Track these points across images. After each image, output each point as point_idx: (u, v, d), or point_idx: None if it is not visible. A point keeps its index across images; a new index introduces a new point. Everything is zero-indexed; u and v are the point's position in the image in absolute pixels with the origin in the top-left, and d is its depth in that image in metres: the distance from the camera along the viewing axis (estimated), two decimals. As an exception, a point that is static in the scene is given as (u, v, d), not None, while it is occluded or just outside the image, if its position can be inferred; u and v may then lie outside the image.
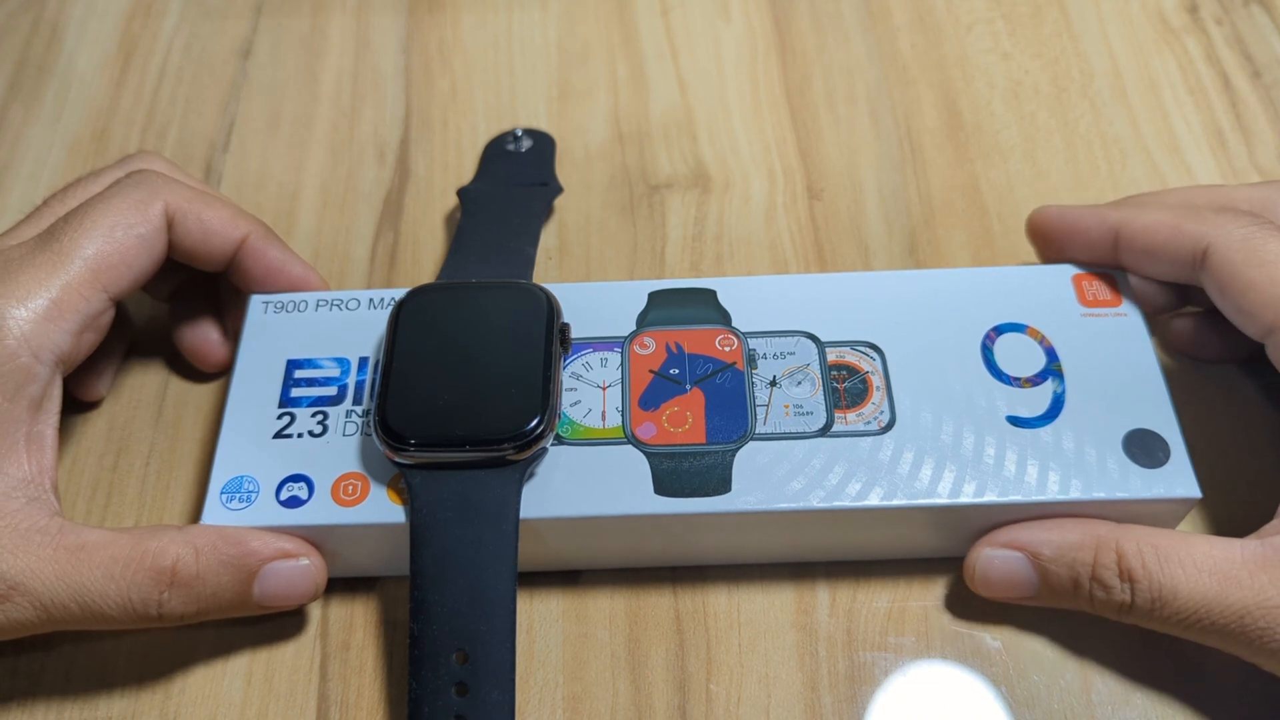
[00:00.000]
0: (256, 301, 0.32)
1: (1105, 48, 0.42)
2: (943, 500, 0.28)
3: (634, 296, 0.32)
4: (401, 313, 0.30)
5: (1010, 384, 0.30)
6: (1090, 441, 0.29)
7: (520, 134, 0.38)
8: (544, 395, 0.28)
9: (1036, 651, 0.30)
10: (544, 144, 0.38)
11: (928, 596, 0.31)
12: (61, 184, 0.36)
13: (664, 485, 0.29)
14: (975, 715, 0.29)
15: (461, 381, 0.29)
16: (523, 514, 0.28)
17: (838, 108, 0.41)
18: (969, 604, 0.30)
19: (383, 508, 0.28)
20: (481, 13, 0.44)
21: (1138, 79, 0.41)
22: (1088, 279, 0.32)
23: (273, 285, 0.32)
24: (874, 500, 0.28)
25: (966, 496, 0.28)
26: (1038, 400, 0.30)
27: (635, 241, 0.38)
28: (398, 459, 0.28)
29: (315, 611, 0.31)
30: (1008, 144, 0.40)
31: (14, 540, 0.26)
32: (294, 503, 0.29)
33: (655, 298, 0.32)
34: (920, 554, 0.31)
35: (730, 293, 0.32)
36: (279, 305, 0.32)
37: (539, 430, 0.28)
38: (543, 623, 0.31)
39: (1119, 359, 0.31)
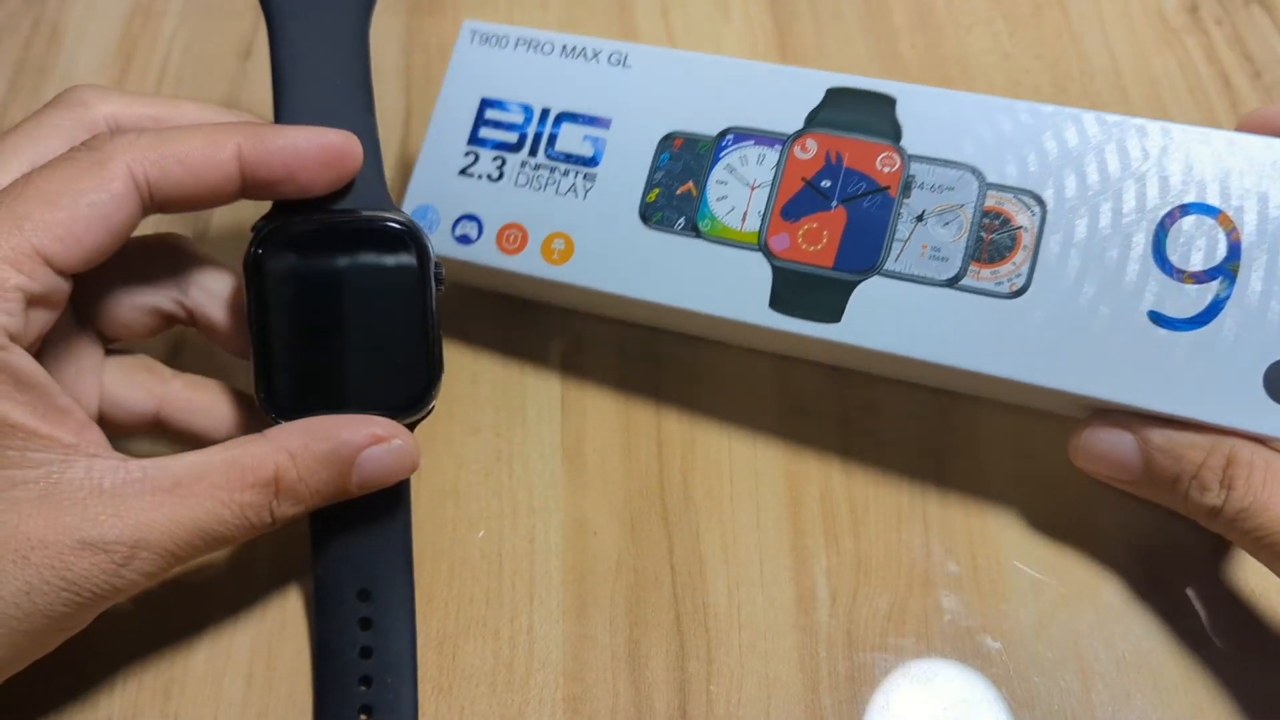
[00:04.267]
0: (466, 29, 0.34)
1: (1106, 48, 0.41)
2: (1045, 384, 0.28)
3: (811, 89, 0.32)
4: (262, 267, 0.28)
5: (1169, 274, 0.28)
6: (1231, 360, 0.27)
7: None
8: (429, 358, 0.28)
9: (1036, 652, 0.30)
10: None
11: (928, 597, 0.31)
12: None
13: (779, 300, 0.30)
14: (975, 716, 0.30)
15: (341, 346, 0.28)
16: (642, 294, 0.31)
17: None
18: (969, 605, 0.31)
19: (535, 262, 0.32)
20: (481, 13, 0.43)
21: (1138, 79, 0.40)
22: (1318, 167, 0.28)
23: (302, 178, 0.28)
24: (977, 365, 0.29)
25: (1070, 386, 0.28)
26: (1193, 300, 0.28)
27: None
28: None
29: (314, 615, 0.30)
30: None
31: (110, 504, 0.24)
32: (464, 240, 0.33)
33: (832, 96, 0.31)
34: (1028, 405, 0.31)
35: (912, 105, 0.31)
36: (485, 37, 0.34)
37: (430, 396, 0.29)
38: (543, 623, 0.31)
39: (1310, 273, 0.27)
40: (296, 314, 0.28)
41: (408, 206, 0.34)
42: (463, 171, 0.33)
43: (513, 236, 0.33)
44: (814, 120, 0.31)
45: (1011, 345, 0.29)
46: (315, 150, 0.28)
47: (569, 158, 0.33)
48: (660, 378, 0.35)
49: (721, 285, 0.31)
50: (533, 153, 0.33)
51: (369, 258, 0.29)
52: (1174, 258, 0.28)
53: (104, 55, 0.42)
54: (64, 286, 0.25)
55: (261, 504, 0.26)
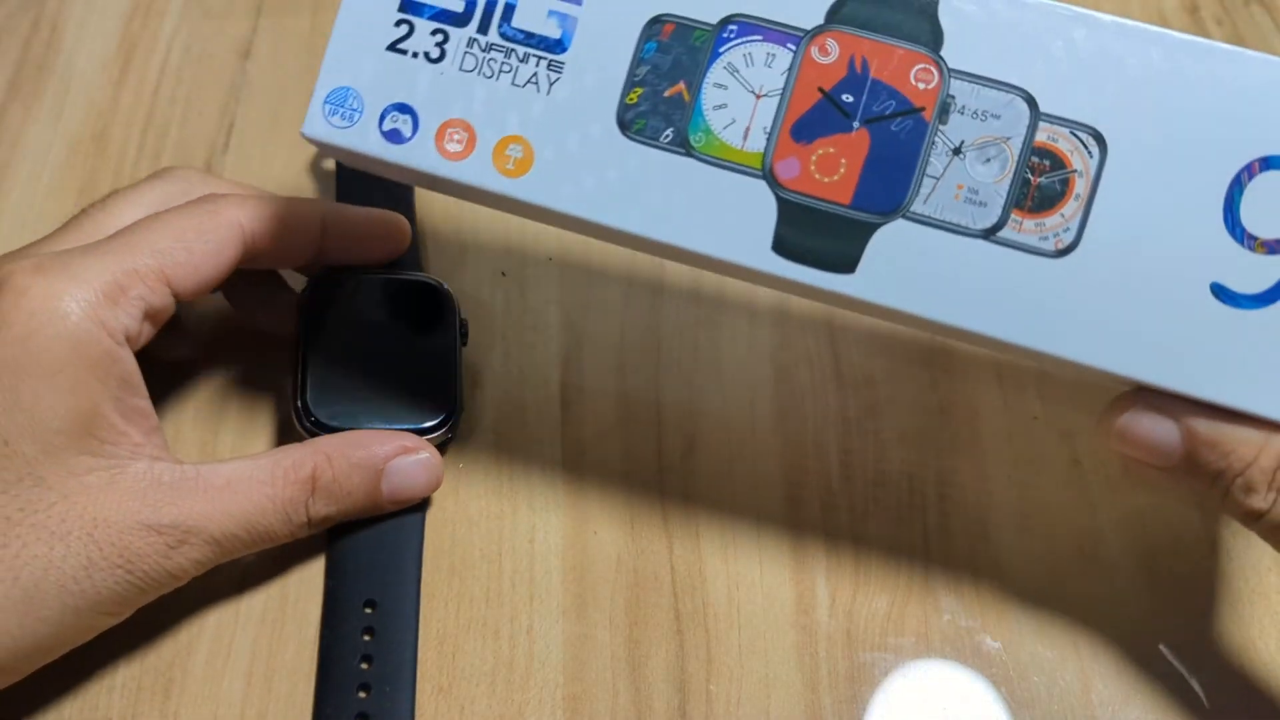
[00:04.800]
0: None
1: None
2: (1087, 361, 0.25)
3: (836, -27, 0.26)
4: (314, 304, 0.32)
5: (1241, 241, 0.24)
6: (1295, 345, 0.24)
7: None
8: (451, 398, 0.32)
9: (1036, 652, 0.30)
10: None
11: (928, 597, 0.31)
12: (61, 184, 0.38)
13: (784, 243, 0.25)
14: (975, 716, 0.29)
15: (372, 378, 0.31)
16: (614, 222, 0.26)
17: None
18: (969, 605, 0.30)
19: (483, 172, 0.26)
20: None
21: None
22: None
23: (367, 245, 0.33)
24: (1010, 336, 0.25)
25: (1115, 366, 0.25)
26: (1264, 273, 0.24)
27: None
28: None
29: (315, 612, 0.30)
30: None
31: (168, 494, 0.27)
32: (395, 137, 0.26)
33: (861, -16, 0.25)
34: (1059, 373, 0.28)
35: (960, 3, 0.25)
36: None
37: (449, 424, 0.32)
38: (543, 623, 0.30)
39: (1398, 249, 0.24)
40: (337, 346, 0.32)
41: (321, 88, 0.27)
42: (393, 46, 0.27)
43: (456, 136, 0.26)
44: (838, 14, 0.25)
45: (1051, 314, 0.25)
46: (380, 226, 0.33)
47: (530, 38, 0.26)
48: (660, 377, 0.35)
49: (714, 217, 0.26)
50: (483, 28, 0.26)
51: (404, 308, 0.33)
52: (1247, 221, 0.24)
53: (104, 55, 0.42)
54: (172, 307, 0.29)
55: (299, 500, 0.29)
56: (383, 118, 0.26)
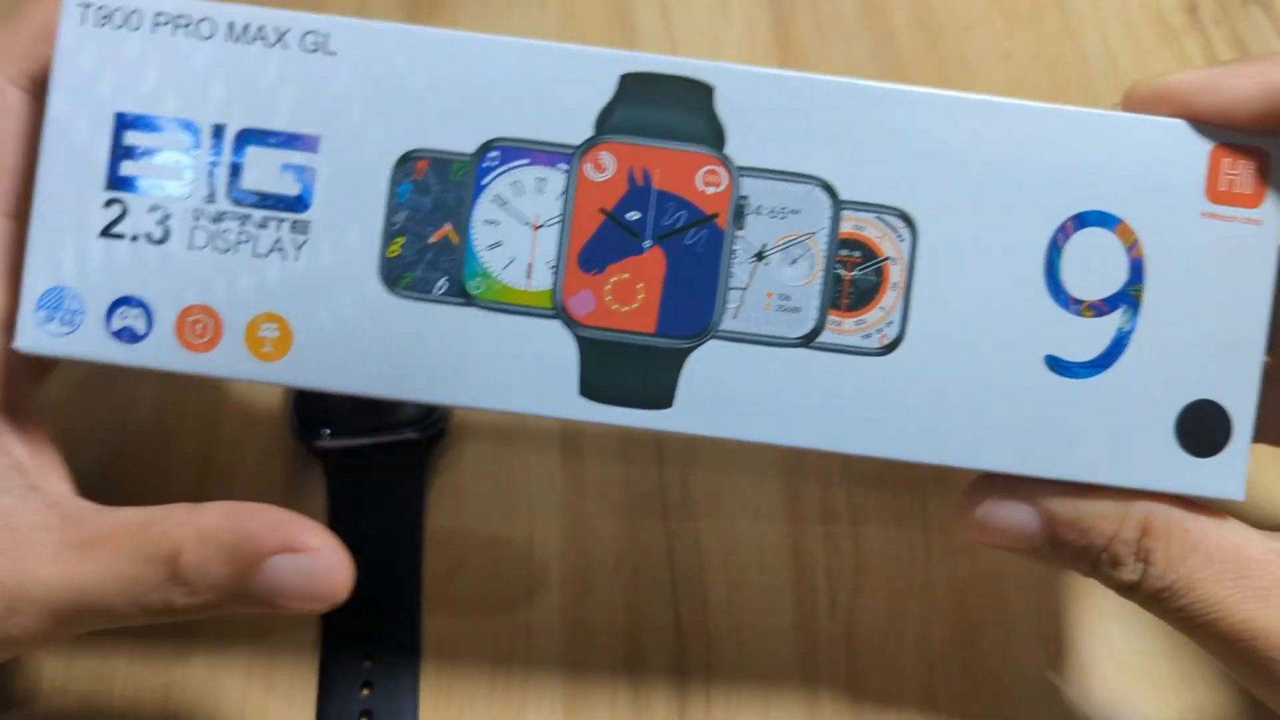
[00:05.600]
0: (71, 4, 0.23)
1: (1105, 48, 0.40)
2: (932, 461, 0.23)
3: (599, 77, 0.23)
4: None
5: (1067, 307, 0.23)
6: (1139, 408, 0.23)
7: None
8: None
9: (1036, 652, 0.30)
10: None
11: (928, 597, 0.30)
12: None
13: (591, 385, 0.23)
14: (975, 716, 0.29)
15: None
16: (397, 393, 0.23)
17: None
18: (969, 605, 0.30)
19: (238, 360, 0.23)
20: (481, 12, 0.42)
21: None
22: (1231, 156, 0.23)
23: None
24: (847, 447, 0.23)
25: (961, 460, 0.23)
26: (1094, 337, 0.23)
27: None
28: (317, 444, 0.30)
29: (314, 616, 0.30)
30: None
31: (14, 545, 0.23)
32: (128, 335, 0.23)
33: (629, 86, 0.23)
34: None
35: (734, 93, 0.23)
36: (103, 13, 0.23)
37: (436, 413, 0.31)
38: (542, 623, 0.30)
39: (1223, 290, 0.23)
40: None
41: (29, 292, 0.23)
42: (106, 232, 0.23)
43: (199, 325, 0.23)
44: (607, 123, 0.23)
45: (886, 416, 0.23)
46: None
47: (265, 200, 0.23)
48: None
49: (510, 370, 0.23)
50: (209, 196, 0.23)
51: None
52: (1070, 285, 0.23)
53: None
54: None
55: (154, 584, 0.23)
56: (110, 316, 0.23)
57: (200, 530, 0.23)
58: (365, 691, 0.29)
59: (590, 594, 0.31)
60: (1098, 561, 0.23)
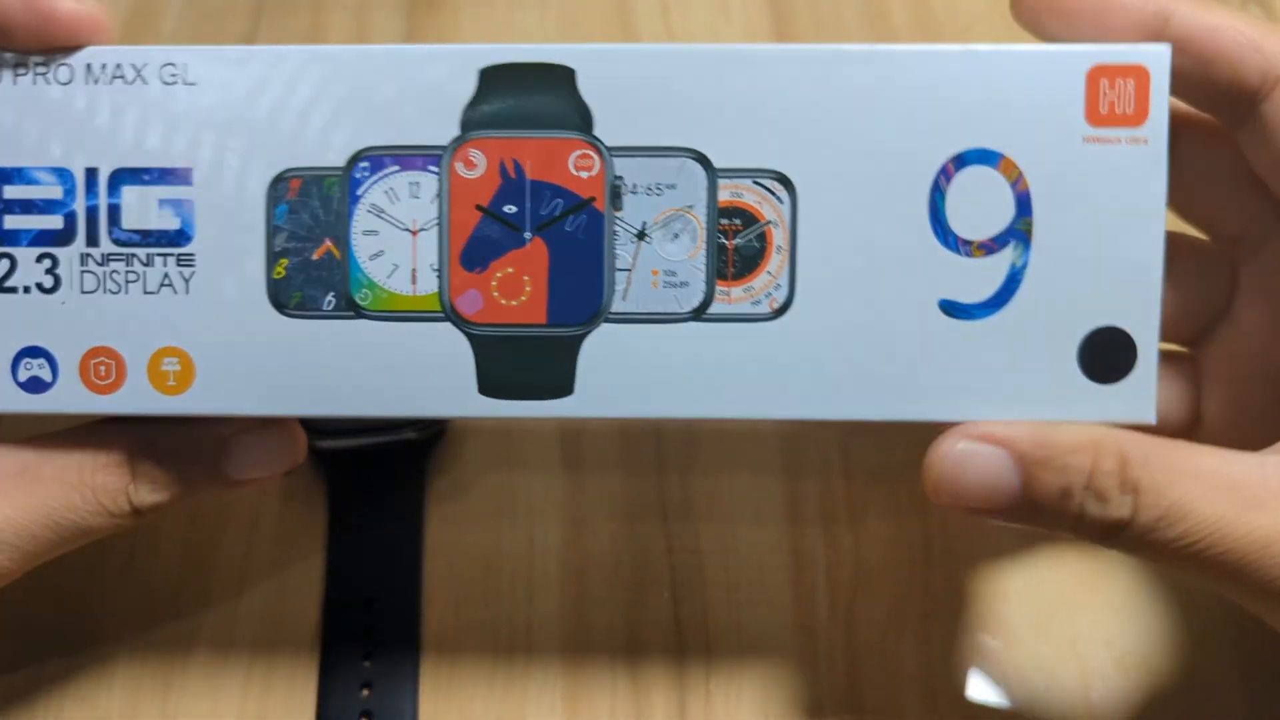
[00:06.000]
0: None
1: None
2: (829, 416, 0.23)
3: (458, 74, 0.23)
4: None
5: (957, 250, 0.23)
6: (1040, 342, 0.23)
7: None
8: None
9: (1036, 652, 0.30)
10: None
11: (928, 597, 0.30)
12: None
13: (490, 382, 0.23)
14: (975, 717, 0.29)
15: None
16: (305, 409, 0.23)
17: None
18: (969, 605, 0.30)
19: (145, 396, 0.23)
20: (481, 12, 0.43)
21: None
22: (1109, 74, 0.22)
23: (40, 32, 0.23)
24: (754, 410, 0.23)
25: (867, 412, 0.23)
26: (987, 276, 0.23)
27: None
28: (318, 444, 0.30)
29: (314, 616, 0.30)
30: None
31: None
32: (36, 385, 0.23)
33: (489, 80, 0.23)
34: None
35: (597, 74, 0.23)
36: None
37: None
38: (543, 623, 0.30)
39: (1115, 214, 0.22)
40: None
41: (-66, 353, 0.23)
42: (-1, 286, 0.23)
43: (103, 367, 0.23)
44: (473, 119, 0.23)
45: (788, 379, 0.23)
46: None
47: (148, 237, 0.23)
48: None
49: (410, 375, 0.23)
50: (92, 240, 0.23)
51: None
52: (957, 226, 0.23)
53: None
54: None
55: (116, 487, 0.24)
56: (14, 368, 0.23)
57: (153, 436, 0.24)
58: (365, 691, 0.29)
59: (590, 594, 0.31)
60: (1082, 505, 0.22)
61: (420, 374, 0.23)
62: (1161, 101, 0.22)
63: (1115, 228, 0.22)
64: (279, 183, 0.23)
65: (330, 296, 0.23)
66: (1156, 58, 0.22)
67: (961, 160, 0.22)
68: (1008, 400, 0.23)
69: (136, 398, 0.23)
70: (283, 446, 0.25)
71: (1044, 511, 0.22)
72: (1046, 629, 0.30)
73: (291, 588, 0.31)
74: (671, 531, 0.32)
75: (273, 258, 0.23)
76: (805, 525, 0.32)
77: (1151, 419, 0.23)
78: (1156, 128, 0.22)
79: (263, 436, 0.25)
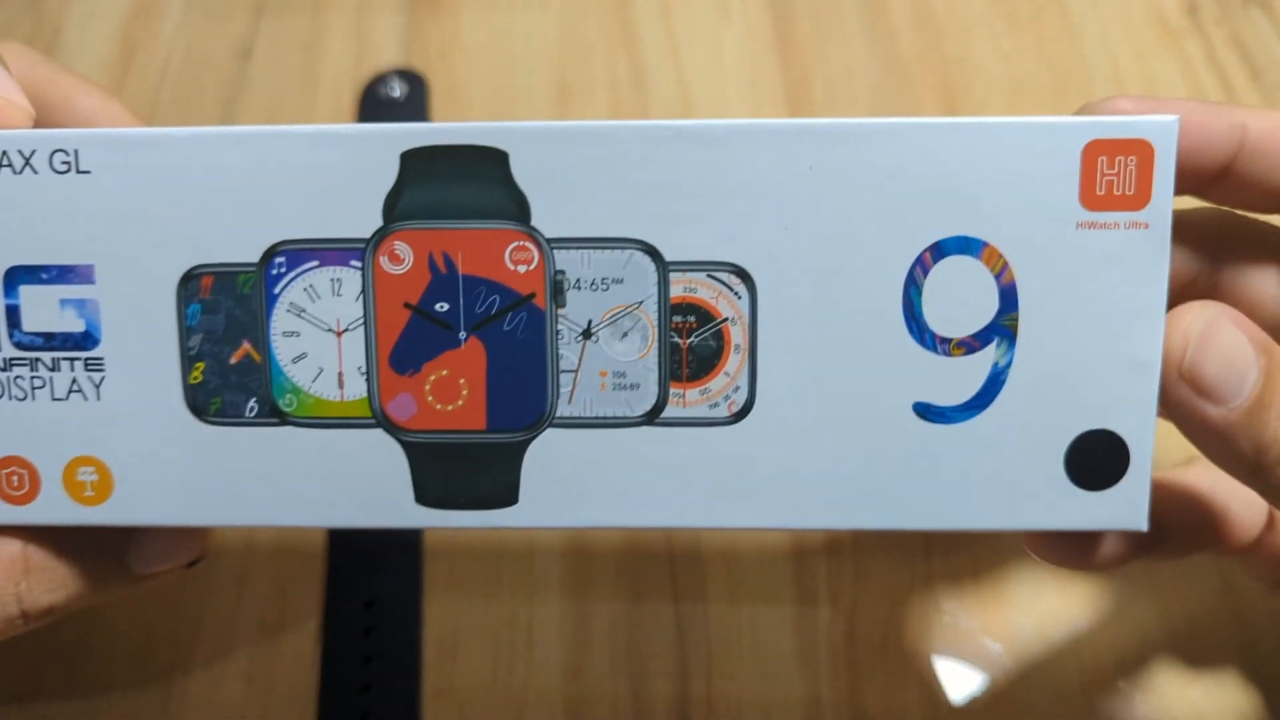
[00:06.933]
0: None
1: (1105, 49, 0.41)
2: (799, 526, 0.21)
3: (379, 159, 0.20)
4: None
5: (933, 348, 0.20)
6: (1024, 446, 0.21)
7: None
8: None
9: (1037, 654, 0.30)
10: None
11: (928, 598, 0.30)
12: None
13: (427, 492, 0.21)
14: (975, 718, 0.29)
15: None
16: (230, 519, 0.22)
17: (838, 108, 0.40)
18: (970, 606, 0.30)
19: (62, 506, 0.22)
20: (481, 12, 0.43)
21: (1138, 81, 0.40)
22: (1108, 150, 0.20)
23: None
24: (714, 520, 0.21)
25: (836, 522, 0.21)
26: (967, 377, 0.21)
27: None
28: None
29: (314, 616, 0.30)
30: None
31: None
32: (-54, 497, 0.22)
33: (412, 164, 0.20)
34: None
35: (533, 157, 0.20)
36: None
37: None
38: (542, 625, 0.30)
39: (1110, 308, 0.20)
40: None
41: None
42: (-101, 392, 0.22)
43: (15, 477, 0.22)
44: (396, 209, 0.20)
45: (750, 485, 0.21)
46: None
47: (51, 340, 0.21)
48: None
49: (341, 485, 0.21)
50: (12, 341, 0.21)
51: None
52: (934, 323, 0.20)
53: (104, 56, 0.42)
54: None
55: (5, 589, 0.22)
56: (-79, 479, 0.22)
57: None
58: (365, 692, 0.29)
59: (590, 594, 0.31)
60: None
61: (352, 483, 0.21)
62: (1166, 182, 0.20)
63: (1110, 323, 0.20)
64: (189, 280, 0.21)
65: (252, 402, 0.21)
66: (1163, 131, 0.20)
67: (940, 249, 0.20)
68: (986, 509, 0.21)
69: (53, 509, 0.22)
70: (191, 535, 0.24)
71: (1265, 417, 0.20)
72: (1047, 630, 0.30)
73: (291, 588, 0.31)
74: (672, 532, 0.31)
75: (188, 361, 0.21)
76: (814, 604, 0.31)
77: (1143, 527, 0.21)
78: (1159, 211, 0.20)
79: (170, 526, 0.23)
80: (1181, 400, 0.20)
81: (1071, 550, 0.23)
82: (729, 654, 0.30)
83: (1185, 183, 0.22)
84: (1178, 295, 0.23)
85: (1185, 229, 0.23)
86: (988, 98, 0.41)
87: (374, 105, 0.41)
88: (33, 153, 0.20)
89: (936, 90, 0.41)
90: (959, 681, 0.30)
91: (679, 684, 0.30)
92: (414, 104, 0.40)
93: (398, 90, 0.40)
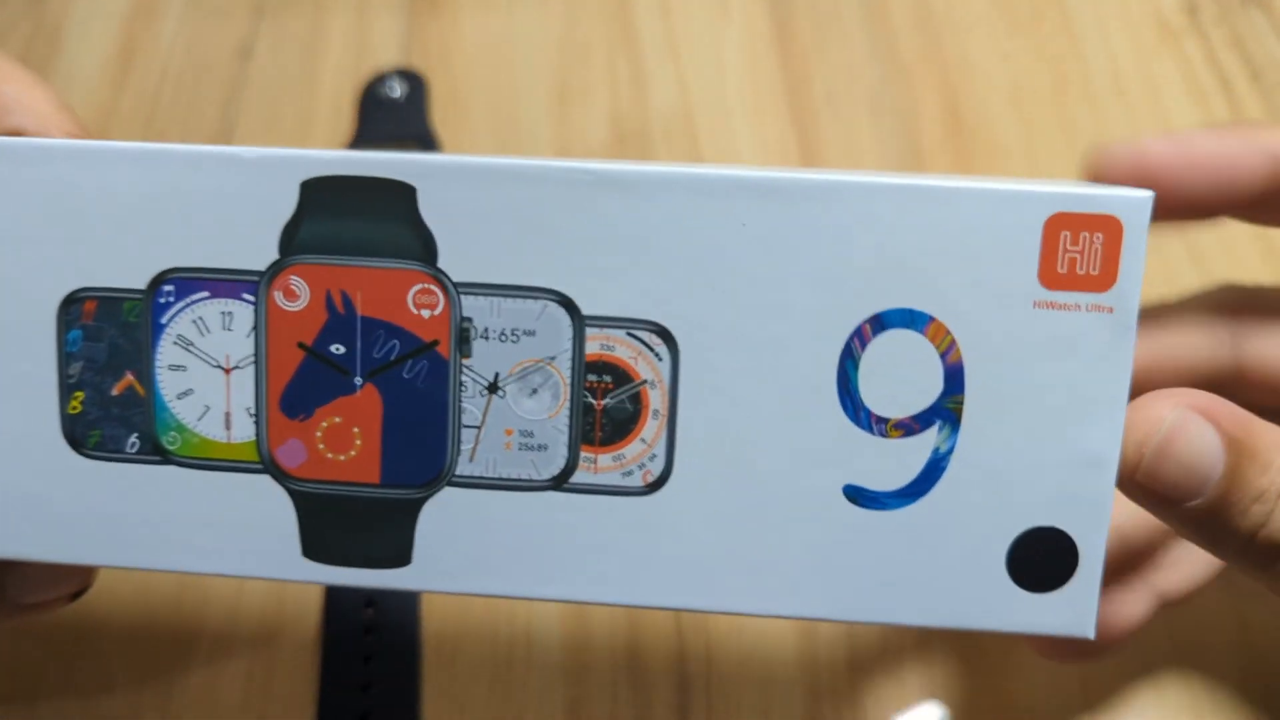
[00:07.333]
0: None
1: (1105, 50, 0.41)
2: (714, 609, 0.20)
3: (277, 186, 0.19)
4: None
5: (869, 428, 0.19)
6: (963, 540, 0.19)
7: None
8: None
9: (1036, 654, 0.29)
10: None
11: None
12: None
13: (315, 546, 0.20)
14: (976, 718, 0.29)
15: None
16: (101, 559, 0.20)
17: (838, 108, 0.40)
18: None
19: None
20: (481, 13, 0.43)
21: (1138, 81, 0.40)
22: (1072, 225, 0.18)
23: None
24: (620, 596, 0.20)
25: (752, 607, 0.19)
26: (904, 461, 0.19)
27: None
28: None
29: (314, 616, 0.30)
30: (1007, 145, 0.39)
31: None
32: None
33: (313, 195, 0.19)
34: None
35: (442, 193, 0.19)
36: None
37: None
38: (542, 626, 0.30)
39: (1065, 396, 0.18)
40: None
41: None
42: None
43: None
44: (294, 243, 0.19)
45: (661, 563, 0.19)
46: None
47: (-78, 358, 0.20)
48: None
49: (225, 531, 0.20)
50: None
51: None
52: (871, 401, 0.19)
53: (104, 56, 0.43)
54: None
55: None
56: None
57: None
58: (365, 692, 0.29)
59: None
60: (1271, 515, 0.19)
61: (237, 530, 0.20)
62: (1135, 263, 0.18)
63: (1065, 412, 0.18)
64: (71, 304, 0.19)
65: (134, 438, 0.20)
66: (1134, 208, 0.18)
67: (881, 322, 0.18)
68: (917, 605, 0.19)
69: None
70: (74, 566, 0.22)
71: (1219, 524, 0.19)
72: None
73: (291, 588, 0.31)
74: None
75: (67, 390, 0.20)
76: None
77: (1090, 634, 0.19)
78: (1125, 295, 0.18)
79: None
80: (1136, 498, 0.18)
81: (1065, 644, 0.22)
82: (729, 654, 0.30)
83: (1233, 211, 0.23)
84: (1206, 380, 0.25)
85: (1207, 308, 0.24)
86: (988, 98, 0.41)
87: (374, 105, 0.40)
88: None
89: (936, 91, 0.41)
90: (959, 682, 0.29)
91: (679, 684, 0.29)
92: (414, 104, 0.40)
93: (398, 90, 0.40)
